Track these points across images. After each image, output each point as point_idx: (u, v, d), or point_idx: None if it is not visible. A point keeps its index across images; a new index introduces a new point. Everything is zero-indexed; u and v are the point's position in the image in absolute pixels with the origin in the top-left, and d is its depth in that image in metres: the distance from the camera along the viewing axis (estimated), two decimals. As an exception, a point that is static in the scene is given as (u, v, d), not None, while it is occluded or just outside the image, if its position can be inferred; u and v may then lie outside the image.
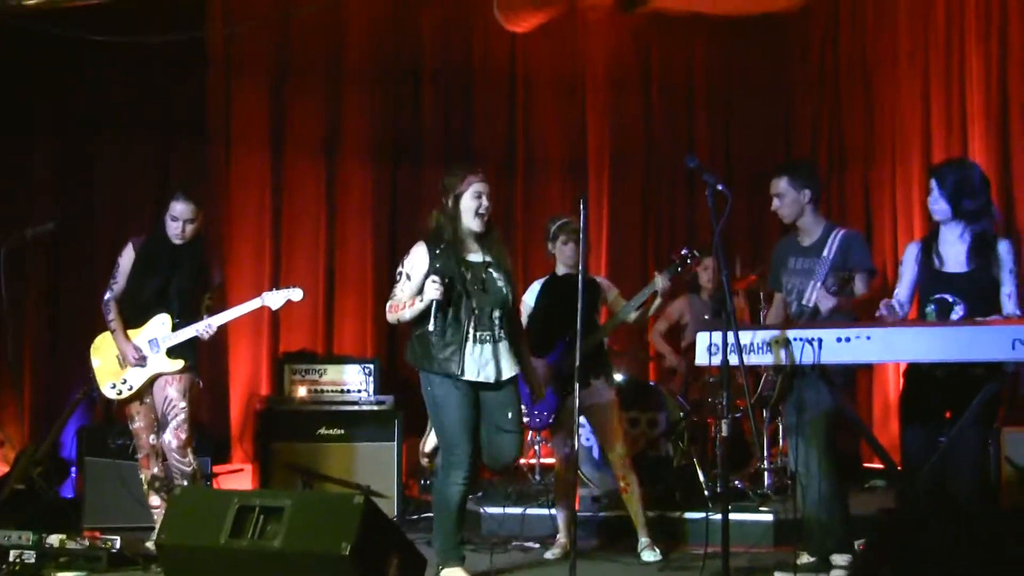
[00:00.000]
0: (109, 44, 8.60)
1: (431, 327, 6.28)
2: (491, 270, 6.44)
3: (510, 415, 6.40)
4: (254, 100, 10.27)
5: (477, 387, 6.36)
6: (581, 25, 11.14)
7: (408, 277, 6.43)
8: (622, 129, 11.32)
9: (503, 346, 6.42)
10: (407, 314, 6.37)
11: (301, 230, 10.36)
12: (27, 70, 9.28)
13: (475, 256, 6.45)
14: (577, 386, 6.11)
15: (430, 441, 6.78)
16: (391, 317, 6.47)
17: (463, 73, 10.91)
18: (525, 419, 7.36)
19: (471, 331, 6.33)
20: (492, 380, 6.37)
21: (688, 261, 7.07)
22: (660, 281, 7.02)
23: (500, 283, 6.42)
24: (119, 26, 8.87)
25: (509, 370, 6.44)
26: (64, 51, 8.88)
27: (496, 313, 6.39)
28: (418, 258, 6.43)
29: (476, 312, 6.33)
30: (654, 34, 11.41)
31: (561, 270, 7.43)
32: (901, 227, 9.76)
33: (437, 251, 6.39)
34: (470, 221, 6.39)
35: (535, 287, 7.56)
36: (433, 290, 6.19)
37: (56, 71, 9.39)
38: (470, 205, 6.40)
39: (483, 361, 6.35)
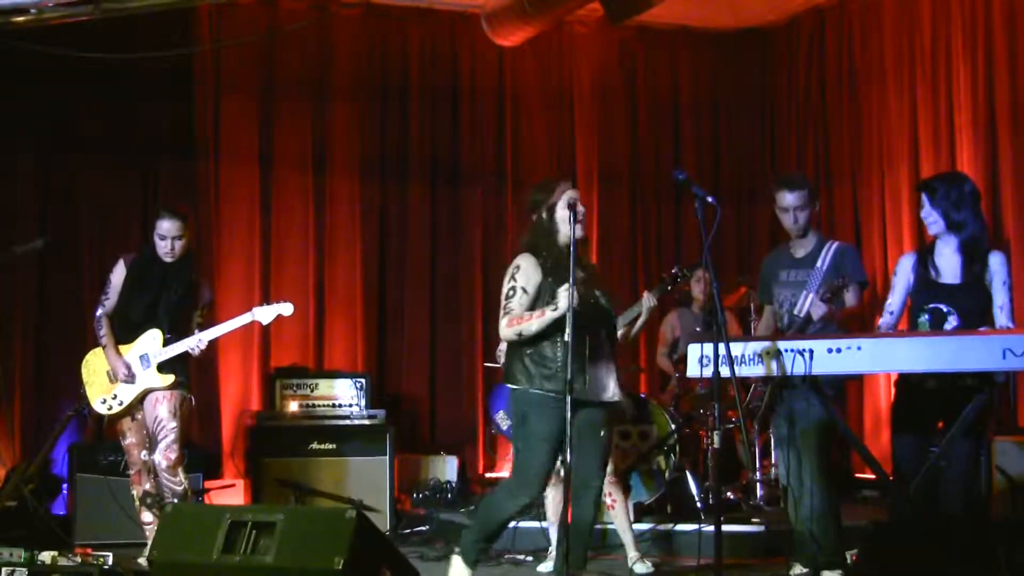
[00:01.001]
0: (96, 61, 8.60)
1: (566, 336, 5.85)
2: (591, 286, 6.25)
3: (602, 434, 6.24)
4: (242, 117, 10.26)
5: (580, 407, 6.02)
6: (568, 39, 11.17)
7: (524, 291, 6.15)
8: (610, 142, 11.34)
9: (613, 365, 6.27)
10: (534, 325, 6.06)
11: (290, 246, 10.36)
12: (14, 87, 9.28)
13: (577, 272, 6.06)
14: (568, 399, 6.10)
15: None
16: (511, 331, 6.13)
17: (451, 88, 10.91)
18: (511, 433, 7.39)
19: (590, 349, 6.09)
20: (601, 400, 6.19)
21: (678, 280, 6.96)
22: (647, 300, 6.96)
23: (603, 300, 6.27)
24: (106, 44, 8.88)
25: (615, 392, 6.28)
26: (51, 69, 8.87)
27: (603, 331, 6.25)
28: (529, 270, 6.18)
29: (587, 329, 6.05)
30: (641, 47, 11.44)
31: None
32: (890, 239, 9.78)
33: (547, 263, 6.16)
34: (568, 230, 6.04)
35: None
36: (567, 298, 5.87)
37: (43, 88, 9.39)
38: (564, 215, 6.11)
39: (600, 380, 6.18)
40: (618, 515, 7.29)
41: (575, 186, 6.27)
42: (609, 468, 7.15)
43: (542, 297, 6.11)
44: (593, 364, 6.12)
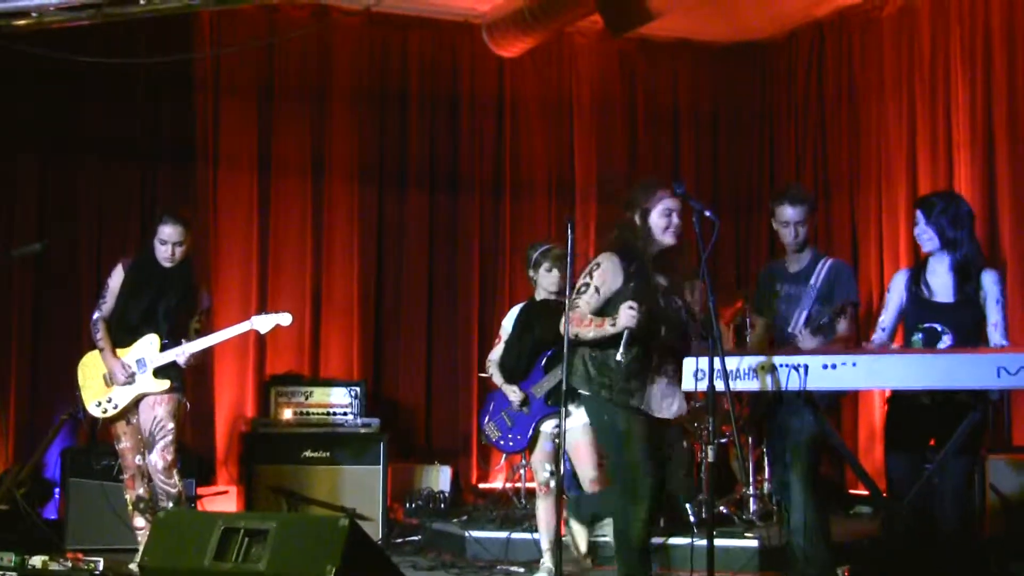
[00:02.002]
0: (97, 65, 8.60)
1: (619, 355, 5.72)
2: (674, 297, 6.03)
3: (670, 450, 6.11)
4: (241, 122, 10.26)
5: (653, 420, 5.94)
6: (568, 49, 11.18)
7: (597, 291, 5.92)
8: (609, 154, 11.34)
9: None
10: (591, 333, 5.86)
11: (287, 252, 10.35)
12: (15, 90, 9.27)
13: (661, 280, 6.00)
14: (563, 411, 6.11)
15: (580, 538, 6.58)
16: (571, 330, 5.94)
17: (450, 95, 10.92)
18: (499, 442, 7.40)
19: (657, 363, 5.92)
20: (672, 416, 6.03)
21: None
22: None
23: (683, 312, 6.01)
24: (107, 47, 8.89)
25: (679, 408, 6.05)
26: (52, 72, 8.87)
27: (676, 344, 5.97)
28: (610, 272, 5.94)
29: (655, 341, 5.85)
30: (640, 59, 11.45)
31: (540, 295, 7.42)
32: (887, 255, 9.77)
33: (632, 269, 5.92)
34: (661, 236, 5.92)
35: (513, 312, 7.54)
36: (630, 318, 5.69)
37: (43, 91, 9.39)
38: (659, 223, 5.91)
39: (664, 395, 5.96)
40: (602, 525, 7.28)
41: (668, 190, 5.95)
42: (591, 476, 7.12)
43: (614, 302, 5.87)
44: (657, 378, 5.94)
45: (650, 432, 5.92)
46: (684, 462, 6.31)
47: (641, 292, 5.82)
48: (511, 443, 7.38)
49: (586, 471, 7.13)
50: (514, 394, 7.28)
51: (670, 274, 6.03)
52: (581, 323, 5.90)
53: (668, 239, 5.92)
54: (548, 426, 7.22)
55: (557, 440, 6.96)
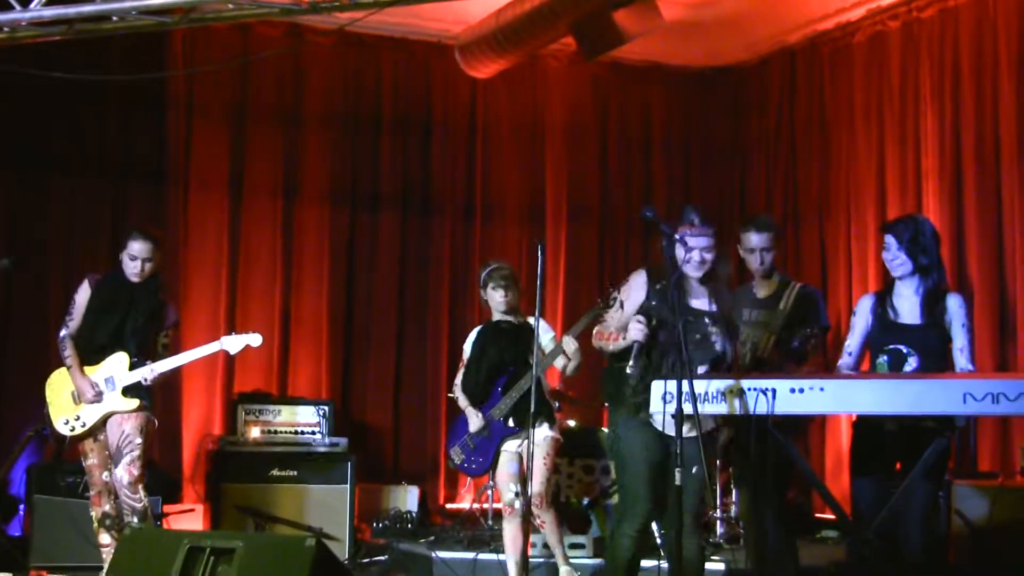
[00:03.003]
0: (69, 82, 8.57)
1: (628, 368, 5.81)
2: (711, 321, 5.97)
3: (693, 470, 5.85)
4: (213, 143, 10.25)
5: (668, 438, 5.80)
6: (541, 72, 11.22)
7: (621, 305, 6.03)
8: (580, 176, 11.38)
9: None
10: (610, 347, 5.97)
11: (257, 272, 10.34)
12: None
13: (700, 303, 5.98)
14: (532, 432, 6.12)
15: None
16: (595, 343, 6.07)
17: (422, 118, 10.94)
18: (463, 466, 7.41)
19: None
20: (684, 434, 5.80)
21: (607, 306, 6.43)
22: (568, 344, 6.94)
23: (715, 338, 5.97)
24: (79, 64, 8.86)
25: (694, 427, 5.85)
26: (23, 87, 8.83)
27: (702, 369, 5.94)
28: (636, 288, 6.02)
29: (686, 364, 5.61)
30: (613, 83, 11.51)
31: (496, 316, 7.42)
32: (856, 280, 9.83)
33: (657, 287, 5.91)
34: (687, 269, 5.93)
35: (472, 335, 7.55)
36: (637, 331, 5.78)
37: (14, 107, 9.34)
38: (681, 253, 5.91)
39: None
40: (549, 532, 7.31)
41: (688, 226, 5.93)
42: (539, 490, 7.11)
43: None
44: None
45: (661, 447, 5.86)
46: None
47: (658, 310, 5.84)
48: (474, 466, 7.41)
49: (533, 483, 7.04)
50: (474, 420, 7.31)
51: (717, 298, 6.01)
52: (603, 337, 6.02)
53: (689, 270, 5.93)
54: (511, 446, 7.23)
55: (523, 456, 7.02)
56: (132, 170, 9.96)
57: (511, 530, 7.22)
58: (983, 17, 9.05)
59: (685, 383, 5.54)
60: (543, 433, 7.13)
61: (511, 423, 7.19)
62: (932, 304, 6.19)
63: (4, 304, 9.47)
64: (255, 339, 7.49)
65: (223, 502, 8.73)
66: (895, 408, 5.69)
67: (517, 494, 7.13)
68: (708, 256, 5.93)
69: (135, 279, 7.21)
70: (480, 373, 7.35)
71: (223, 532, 7.98)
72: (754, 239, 6.55)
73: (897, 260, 6.28)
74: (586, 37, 9.12)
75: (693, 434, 5.73)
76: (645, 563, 6.26)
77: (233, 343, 7.44)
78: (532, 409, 6.10)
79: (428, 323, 10.82)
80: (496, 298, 7.30)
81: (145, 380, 7.15)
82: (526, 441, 6.72)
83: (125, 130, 9.93)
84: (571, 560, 7.42)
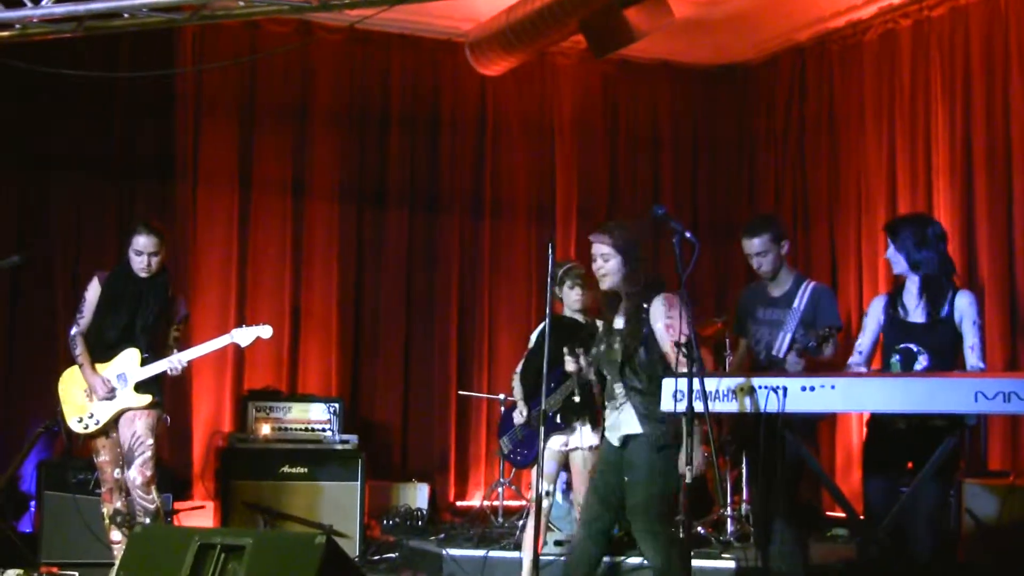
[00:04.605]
0: (78, 79, 8.58)
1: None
2: (619, 335, 6.06)
3: (627, 479, 5.99)
4: (222, 139, 10.25)
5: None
6: (551, 70, 11.21)
7: None
8: (589, 174, 11.37)
9: (627, 408, 5.97)
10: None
11: (266, 269, 10.34)
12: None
13: (619, 322, 6.09)
14: (541, 429, 6.12)
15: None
16: None
17: (432, 115, 10.93)
18: (510, 456, 7.48)
19: (605, 398, 6.22)
20: (616, 444, 6.04)
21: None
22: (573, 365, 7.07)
23: (614, 348, 6.06)
24: (88, 62, 8.86)
25: (629, 429, 6.00)
26: (32, 85, 8.84)
27: (618, 381, 6.06)
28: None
29: (608, 379, 6.12)
30: (623, 81, 11.49)
31: (566, 313, 7.48)
32: (866, 279, 9.81)
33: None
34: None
35: (540, 328, 7.60)
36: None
37: (23, 103, 9.36)
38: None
39: (611, 425, 6.11)
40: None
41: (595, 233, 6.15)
42: (580, 500, 7.14)
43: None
44: (612, 411, 6.08)
45: (612, 459, 6.09)
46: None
47: (589, 341, 6.38)
48: (519, 458, 7.54)
49: (578, 495, 7.23)
50: (520, 414, 7.43)
51: (627, 310, 6.08)
52: None
53: (603, 284, 6.08)
54: (555, 443, 7.25)
55: (567, 457, 7.26)
56: (141, 167, 9.96)
57: (531, 525, 7.23)
58: (994, 15, 9.04)
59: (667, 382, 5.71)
60: (589, 440, 7.20)
61: (559, 419, 7.21)
62: (934, 301, 6.19)
63: (11, 300, 9.46)
64: (266, 331, 7.50)
65: (233, 499, 8.73)
66: (906, 406, 5.67)
67: (548, 493, 7.15)
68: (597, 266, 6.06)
69: (143, 274, 7.21)
70: (538, 365, 7.35)
71: (233, 529, 7.99)
72: (747, 245, 6.63)
73: (894, 259, 6.36)
74: (596, 35, 9.10)
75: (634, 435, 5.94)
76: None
77: (244, 335, 7.45)
78: (542, 407, 6.11)
79: (437, 320, 10.82)
80: (572, 296, 7.41)
81: (173, 370, 7.16)
82: (569, 438, 7.13)
83: (134, 127, 9.92)
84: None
